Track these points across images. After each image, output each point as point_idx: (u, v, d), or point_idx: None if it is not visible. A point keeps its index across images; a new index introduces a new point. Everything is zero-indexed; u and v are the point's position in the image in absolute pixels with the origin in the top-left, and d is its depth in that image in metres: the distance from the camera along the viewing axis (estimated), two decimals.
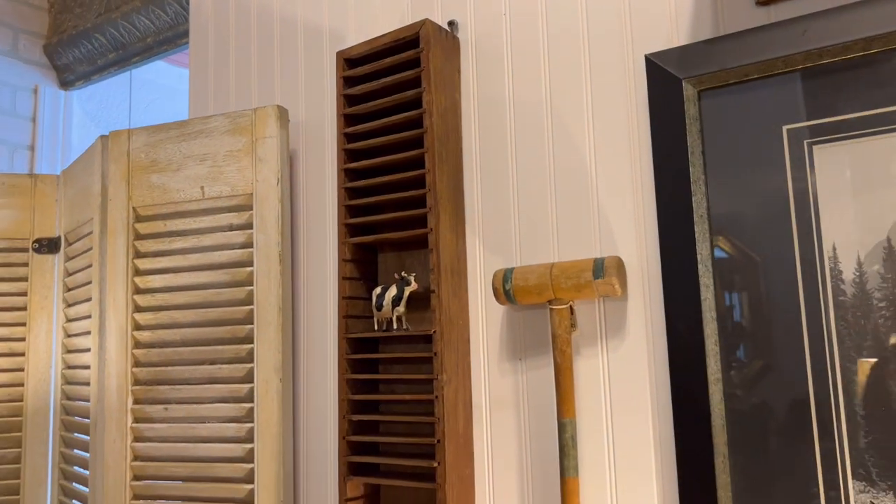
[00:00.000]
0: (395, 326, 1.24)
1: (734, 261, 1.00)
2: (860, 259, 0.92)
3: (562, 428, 1.08)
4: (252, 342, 1.39)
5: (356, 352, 1.28)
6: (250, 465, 1.35)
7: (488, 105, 1.27)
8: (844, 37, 0.93)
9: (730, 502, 0.96)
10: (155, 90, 2.72)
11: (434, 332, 1.16)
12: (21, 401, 1.74)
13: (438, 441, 1.13)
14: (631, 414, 1.07)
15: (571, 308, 1.11)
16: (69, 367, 1.69)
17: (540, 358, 1.17)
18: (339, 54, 1.33)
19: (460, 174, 1.27)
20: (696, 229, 1.01)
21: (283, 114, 1.44)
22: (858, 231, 0.92)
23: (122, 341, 1.47)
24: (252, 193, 1.42)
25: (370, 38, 1.41)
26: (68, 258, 1.72)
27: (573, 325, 1.11)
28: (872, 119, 0.92)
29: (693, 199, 1.02)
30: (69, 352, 1.69)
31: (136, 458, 1.44)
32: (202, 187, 1.46)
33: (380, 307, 1.24)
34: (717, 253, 1.01)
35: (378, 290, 1.26)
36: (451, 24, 1.31)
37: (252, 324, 1.39)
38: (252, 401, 1.37)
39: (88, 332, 1.56)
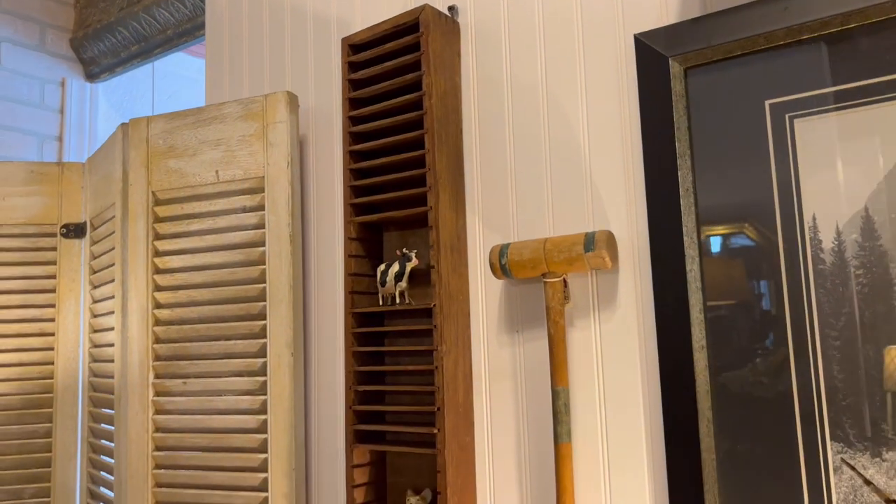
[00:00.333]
0: (397, 301, 1.29)
1: (719, 233, 1.03)
2: (839, 228, 0.95)
3: (555, 396, 1.12)
4: (265, 319, 1.45)
5: (361, 326, 1.33)
6: (264, 436, 1.42)
7: (487, 87, 1.31)
8: (823, 12, 0.96)
9: (714, 465, 1.00)
10: (176, 81, 2.80)
11: (434, 305, 1.21)
12: (51, 378, 1.83)
13: (438, 409, 1.18)
14: (622, 382, 1.11)
15: (565, 281, 1.15)
16: (96, 346, 1.77)
17: (536, 330, 1.21)
18: (344, 40, 1.38)
19: (460, 154, 1.31)
20: (682, 203, 1.05)
21: (292, 99, 1.49)
22: (837, 201, 0.95)
23: (143, 319, 1.54)
24: (263, 176, 1.48)
25: (374, 24, 1.45)
26: (93, 242, 1.81)
27: (567, 298, 1.15)
28: (850, 92, 0.95)
29: (679, 173, 1.05)
30: (95, 331, 1.78)
31: (157, 429, 1.51)
32: (217, 171, 1.52)
33: (383, 283, 1.30)
34: (703, 225, 1.04)
35: (382, 266, 1.31)
36: (451, 9, 1.36)
37: (265, 301, 1.45)
38: (265, 374, 1.44)
39: (113, 312, 1.64)
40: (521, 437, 1.21)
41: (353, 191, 1.36)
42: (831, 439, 0.93)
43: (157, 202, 1.57)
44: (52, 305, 1.85)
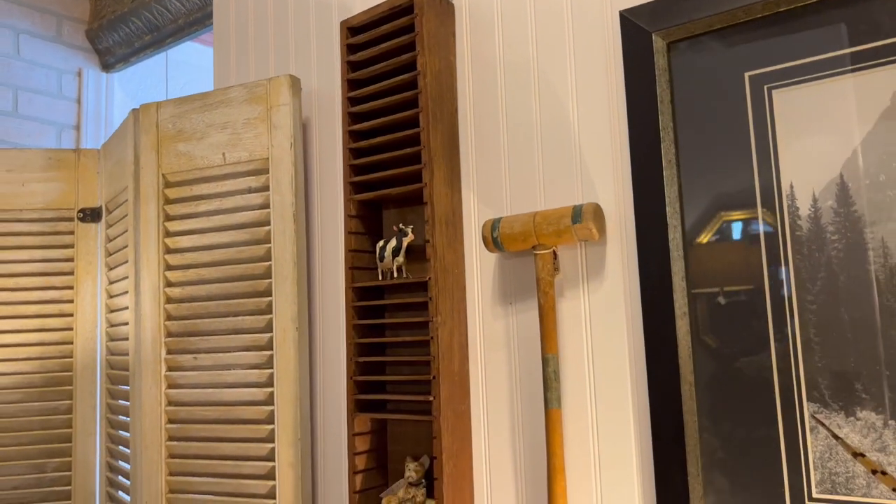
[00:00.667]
0: (395, 276, 1.33)
1: (700, 202, 1.06)
2: (815, 196, 0.98)
3: (545, 363, 1.16)
4: (271, 295, 1.50)
5: (362, 300, 1.38)
6: (271, 408, 1.47)
7: (481, 66, 1.34)
8: None
9: (696, 426, 1.04)
10: (189, 71, 2.86)
11: (429, 278, 1.25)
12: (71, 357, 1.91)
13: (434, 377, 1.23)
14: (609, 349, 1.15)
15: (555, 253, 1.19)
16: (112, 325, 1.84)
17: (527, 301, 1.25)
18: (343, 23, 1.42)
19: (455, 131, 1.35)
20: (665, 174, 1.08)
21: (294, 83, 1.54)
22: (813, 169, 0.98)
23: (155, 297, 1.60)
24: (268, 158, 1.53)
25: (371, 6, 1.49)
26: (109, 225, 1.87)
27: (556, 269, 1.19)
28: (825, 63, 0.97)
29: (662, 145, 1.08)
30: (112, 311, 1.84)
31: (169, 403, 1.58)
32: (223, 153, 1.57)
33: (382, 258, 1.34)
34: (685, 195, 1.07)
35: (381, 242, 1.36)
36: None
37: (270, 278, 1.50)
38: (272, 349, 1.49)
39: (127, 292, 1.70)
40: (514, 405, 1.25)
41: (352, 169, 1.40)
42: (808, 400, 0.96)
43: (167, 184, 1.62)
44: (71, 287, 1.93)
